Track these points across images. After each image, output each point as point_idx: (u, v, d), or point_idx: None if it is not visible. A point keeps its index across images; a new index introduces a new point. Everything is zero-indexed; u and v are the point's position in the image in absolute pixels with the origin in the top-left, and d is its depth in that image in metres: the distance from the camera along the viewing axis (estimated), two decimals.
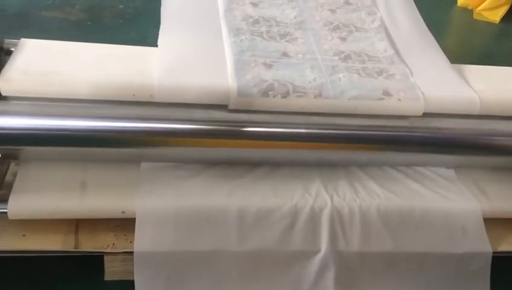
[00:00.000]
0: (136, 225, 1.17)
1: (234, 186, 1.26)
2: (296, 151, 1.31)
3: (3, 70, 1.20)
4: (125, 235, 1.21)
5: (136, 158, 1.28)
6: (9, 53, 1.29)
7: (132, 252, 1.15)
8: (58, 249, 1.17)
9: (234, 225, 1.20)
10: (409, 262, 1.27)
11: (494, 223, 1.35)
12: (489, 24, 2.80)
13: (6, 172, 1.25)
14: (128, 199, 1.19)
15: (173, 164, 1.29)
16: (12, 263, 1.20)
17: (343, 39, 1.48)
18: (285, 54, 1.38)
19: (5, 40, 1.32)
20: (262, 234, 1.21)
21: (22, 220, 1.19)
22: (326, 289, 1.23)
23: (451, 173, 1.42)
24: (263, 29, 1.46)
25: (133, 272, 1.16)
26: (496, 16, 2.81)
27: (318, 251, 1.22)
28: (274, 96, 1.24)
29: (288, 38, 1.44)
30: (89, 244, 1.19)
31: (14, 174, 1.23)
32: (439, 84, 1.39)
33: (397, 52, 1.47)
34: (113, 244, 1.19)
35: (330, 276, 1.22)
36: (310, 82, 1.29)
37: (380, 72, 1.37)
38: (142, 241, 1.16)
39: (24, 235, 1.18)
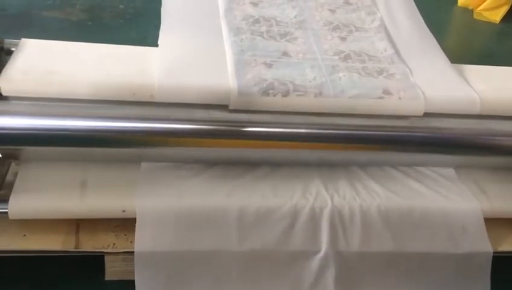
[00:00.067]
0: (136, 224, 1.17)
1: (234, 186, 1.27)
2: (296, 151, 1.31)
3: (4, 70, 1.20)
4: (125, 235, 1.21)
5: (137, 158, 1.28)
6: (9, 53, 1.29)
7: (133, 252, 1.15)
8: (59, 249, 1.17)
9: (234, 225, 1.20)
10: (410, 262, 1.27)
11: (495, 223, 1.35)
12: (490, 24, 2.80)
13: (6, 172, 1.25)
14: (128, 199, 1.19)
15: (173, 164, 1.29)
16: (12, 263, 1.20)
17: (343, 39, 1.48)
18: (285, 54, 1.38)
19: (6, 40, 1.33)
20: (263, 234, 1.21)
21: (23, 220, 1.19)
22: (326, 288, 1.23)
23: (451, 172, 1.42)
24: (263, 28, 1.46)
25: (133, 272, 1.16)
26: (496, 16, 2.81)
27: (318, 251, 1.22)
28: (274, 95, 1.24)
29: (288, 37, 1.45)
30: (90, 244, 1.19)
31: (15, 174, 1.23)
32: (439, 84, 1.39)
33: (397, 51, 1.47)
34: (114, 244, 1.19)
35: (330, 276, 1.22)
36: (310, 81, 1.29)
37: (380, 72, 1.37)
38: (143, 241, 1.16)
39: (24, 235, 1.18)
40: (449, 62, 1.50)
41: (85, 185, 1.22)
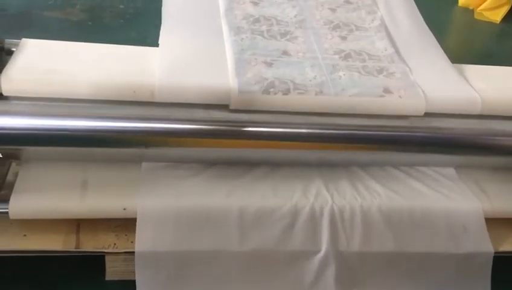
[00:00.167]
0: (137, 224, 1.17)
1: (234, 186, 1.26)
2: (296, 151, 1.31)
3: (5, 70, 1.20)
4: (126, 235, 1.21)
5: (137, 158, 1.28)
6: (10, 53, 1.29)
7: (133, 252, 1.15)
8: (59, 249, 1.17)
9: (235, 225, 1.20)
10: (410, 262, 1.27)
11: (496, 223, 1.34)
12: (490, 24, 2.80)
13: (7, 172, 1.25)
14: (129, 199, 1.19)
15: (174, 164, 1.29)
16: (12, 263, 1.20)
17: (344, 38, 1.48)
18: (285, 53, 1.38)
19: (6, 40, 1.33)
20: (263, 234, 1.21)
21: (23, 220, 1.19)
22: (327, 288, 1.23)
23: (452, 172, 1.42)
24: (264, 28, 1.46)
25: (134, 272, 1.16)
26: (497, 16, 2.81)
27: (319, 251, 1.22)
28: (275, 94, 1.24)
29: (288, 37, 1.45)
30: (90, 244, 1.19)
31: (15, 174, 1.23)
32: (439, 83, 1.39)
33: (397, 51, 1.47)
34: (114, 244, 1.19)
35: (331, 275, 1.22)
36: (310, 80, 1.29)
37: (380, 71, 1.37)
38: (143, 241, 1.16)
39: (25, 235, 1.18)
40: (449, 62, 1.50)
41: (85, 185, 1.22)
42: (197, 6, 1.54)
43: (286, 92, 1.25)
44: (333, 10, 1.59)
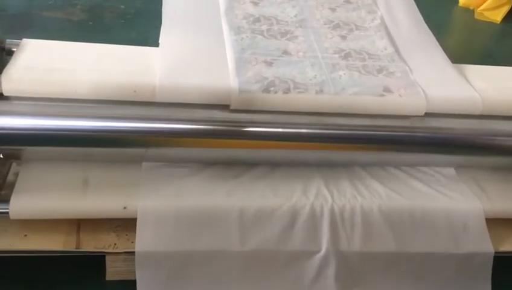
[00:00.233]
0: (137, 224, 1.17)
1: (235, 186, 1.27)
2: (297, 151, 1.31)
3: (5, 70, 1.20)
4: (126, 235, 1.21)
5: (138, 158, 1.28)
6: (10, 53, 1.29)
7: (134, 252, 1.15)
8: (60, 249, 1.17)
9: (235, 224, 1.20)
10: (411, 261, 1.27)
11: (496, 223, 1.34)
12: (491, 24, 2.80)
13: (8, 172, 1.25)
14: (129, 199, 1.19)
15: (174, 164, 1.29)
16: (12, 263, 1.20)
17: (344, 37, 1.48)
18: (285, 52, 1.38)
19: (7, 40, 1.32)
20: (263, 234, 1.21)
21: (24, 220, 1.19)
22: (327, 288, 1.23)
23: (452, 172, 1.42)
24: (264, 27, 1.46)
25: (134, 272, 1.16)
26: (498, 16, 2.81)
27: (319, 250, 1.22)
28: (275, 93, 1.24)
29: (288, 36, 1.45)
30: (91, 244, 1.19)
31: (16, 174, 1.23)
32: (440, 83, 1.39)
33: (397, 50, 1.47)
34: (115, 244, 1.19)
35: (331, 275, 1.22)
36: (310, 79, 1.29)
37: (380, 70, 1.37)
38: (144, 241, 1.16)
39: (26, 235, 1.18)
40: (449, 61, 1.50)
41: (86, 185, 1.22)
42: (197, 6, 1.54)
43: (286, 91, 1.25)
44: (333, 10, 1.60)
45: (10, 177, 1.24)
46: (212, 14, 1.51)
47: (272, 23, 1.49)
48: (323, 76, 1.31)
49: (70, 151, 1.23)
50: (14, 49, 1.29)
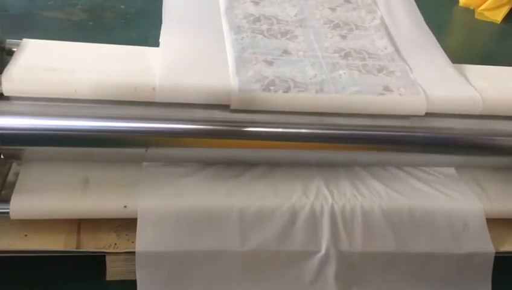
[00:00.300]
0: (137, 224, 1.17)
1: (235, 185, 1.27)
2: (297, 151, 1.31)
3: (5, 70, 1.19)
4: (127, 235, 1.21)
5: (138, 158, 1.28)
6: (11, 53, 1.29)
7: (134, 252, 1.16)
8: (60, 249, 1.17)
9: (235, 224, 1.20)
10: (411, 261, 1.27)
11: (497, 223, 1.34)
12: (491, 24, 2.80)
13: (8, 172, 1.25)
14: (130, 199, 1.20)
15: (175, 164, 1.29)
16: (12, 263, 1.20)
17: (344, 37, 1.48)
18: (286, 52, 1.38)
19: (7, 40, 1.32)
20: (263, 234, 1.21)
21: (24, 220, 1.19)
22: (327, 287, 1.23)
23: (452, 172, 1.41)
24: (264, 27, 1.46)
25: (134, 272, 1.16)
26: (498, 16, 2.81)
27: (319, 250, 1.22)
28: (276, 92, 1.24)
29: (289, 36, 1.45)
30: (91, 244, 1.19)
31: (16, 175, 1.23)
32: (440, 83, 1.39)
33: (397, 50, 1.47)
34: (115, 244, 1.20)
35: (331, 274, 1.22)
36: (310, 78, 1.29)
37: (380, 69, 1.37)
38: (144, 241, 1.16)
39: (26, 235, 1.18)
40: (450, 61, 1.50)
41: (86, 185, 1.22)
42: (197, 6, 1.54)
43: (286, 90, 1.25)
44: (333, 9, 1.60)
45: (10, 177, 1.24)
46: (212, 13, 1.51)
47: (272, 22, 1.49)
48: (323, 75, 1.32)
49: (70, 151, 1.23)
50: (15, 49, 1.29)
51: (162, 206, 1.20)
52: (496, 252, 1.29)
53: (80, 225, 1.22)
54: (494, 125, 1.36)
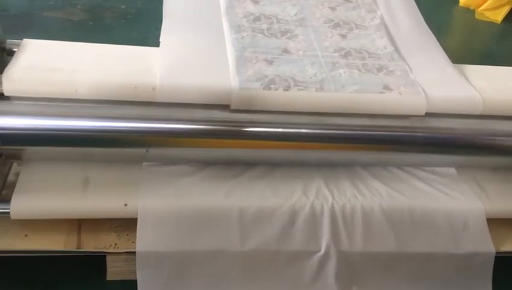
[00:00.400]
0: (138, 224, 1.17)
1: (235, 185, 1.27)
2: (297, 151, 1.31)
3: (6, 70, 1.20)
4: (127, 235, 1.21)
5: (138, 158, 1.28)
6: (11, 53, 1.29)
7: (134, 252, 1.16)
8: (61, 249, 1.17)
9: (235, 224, 1.20)
10: (411, 261, 1.27)
11: (497, 223, 1.34)
12: (491, 24, 2.80)
13: (8, 172, 1.25)
14: (130, 199, 1.20)
15: (175, 164, 1.29)
16: (12, 263, 1.20)
17: (344, 36, 1.48)
18: (286, 51, 1.38)
19: (8, 40, 1.32)
20: (263, 234, 1.21)
21: (24, 220, 1.19)
22: (327, 286, 1.23)
23: (453, 172, 1.41)
24: (264, 26, 1.47)
25: (135, 272, 1.16)
26: (498, 16, 2.81)
27: (319, 249, 1.22)
28: (276, 90, 1.24)
29: (289, 35, 1.45)
30: (91, 244, 1.19)
31: (17, 175, 1.23)
32: (440, 83, 1.39)
33: (397, 49, 1.47)
34: (116, 244, 1.20)
35: (331, 274, 1.22)
36: (310, 77, 1.30)
37: (380, 69, 1.37)
38: (144, 241, 1.16)
39: (26, 235, 1.19)
40: (450, 61, 1.50)
41: (87, 185, 1.22)
42: (197, 5, 1.55)
43: (287, 88, 1.25)
44: (333, 9, 1.60)
45: (11, 177, 1.24)
46: (212, 13, 1.51)
47: (272, 21, 1.49)
48: (323, 74, 1.32)
49: (70, 151, 1.23)
50: (15, 49, 1.29)
51: (162, 206, 1.20)
52: (497, 252, 1.29)
53: (80, 225, 1.22)
54: (494, 125, 1.36)
